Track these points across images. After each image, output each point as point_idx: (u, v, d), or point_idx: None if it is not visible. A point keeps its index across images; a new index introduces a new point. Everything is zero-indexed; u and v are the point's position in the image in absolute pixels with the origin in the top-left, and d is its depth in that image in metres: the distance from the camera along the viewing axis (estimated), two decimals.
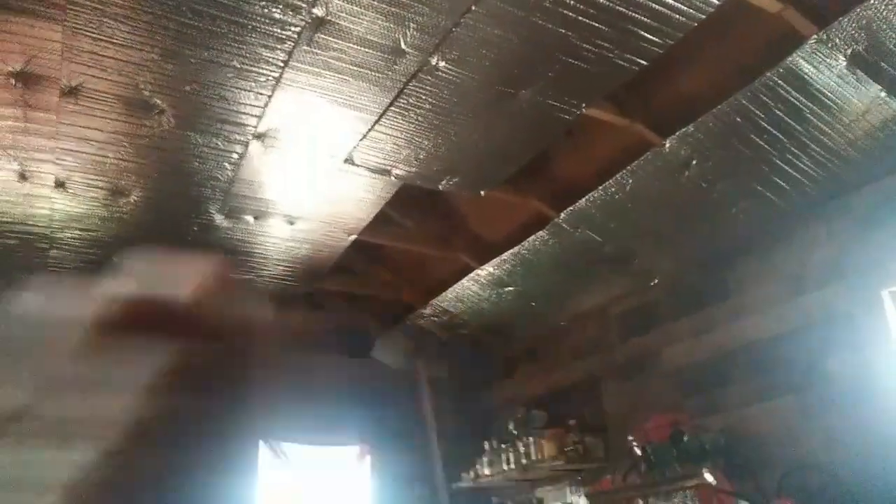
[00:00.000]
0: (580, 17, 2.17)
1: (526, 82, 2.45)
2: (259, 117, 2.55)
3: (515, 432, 4.18)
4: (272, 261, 3.66)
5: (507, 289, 4.06)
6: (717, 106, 2.61)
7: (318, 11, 2.09)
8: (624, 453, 3.17)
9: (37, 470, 0.34)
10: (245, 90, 2.41)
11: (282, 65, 2.29)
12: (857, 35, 2.28)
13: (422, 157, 2.84)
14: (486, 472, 4.22)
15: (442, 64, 2.33)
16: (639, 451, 2.97)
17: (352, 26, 2.16)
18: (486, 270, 3.93)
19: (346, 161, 2.84)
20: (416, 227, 3.99)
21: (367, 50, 2.26)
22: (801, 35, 2.37)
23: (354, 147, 2.76)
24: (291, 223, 3.33)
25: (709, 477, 2.59)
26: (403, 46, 2.25)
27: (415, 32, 2.20)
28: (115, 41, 2.14)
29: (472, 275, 4.00)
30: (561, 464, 3.73)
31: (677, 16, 2.18)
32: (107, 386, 0.37)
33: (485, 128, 2.69)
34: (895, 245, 2.68)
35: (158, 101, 2.43)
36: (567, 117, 2.63)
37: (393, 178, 2.99)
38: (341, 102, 2.49)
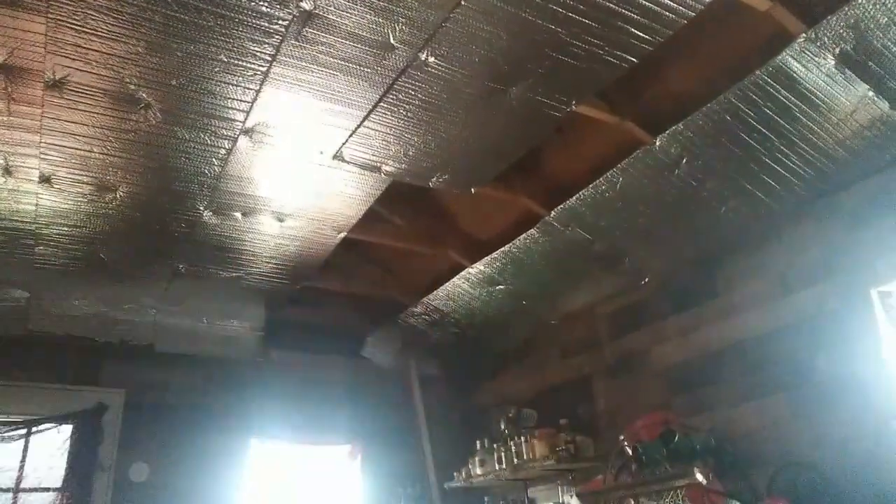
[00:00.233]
0: (570, 14, 2.16)
1: (516, 78, 2.44)
2: (247, 112, 2.53)
3: (507, 431, 4.17)
4: (261, 258, 3.64)
5: (498, 287, 4.05)
6: (707, 104, 2.61)
7: (307, 5, 2.07)
8: (615, 452, 3.16)
9: None
10: (232, 85, 2.39)
11: (269, 59, 2.27)
12: (845, 34, 2.28)
13: (411, 153, 2.83)
14: (478, 471, 4.20)
15: (431, 59, 2.32)
16: (630, 451, 2.97)
17: (340, 20, 2.14)
18: (477, 269, 3.92)
19: (335, 157, 2.82)
20: (407, 225, 3.97)
21: (355, 45, 2.24)
22: (790, 33, 2.37)
23: (344, 143, 2.74)
24: (280, 220, 3.30)
25: (699, 476, 2.58)
26: (392, 41, 2.23)
27: (404, 27, 2.18)
28: (99, 33, 2.12)
29: (462, 273, 3.99)
30: (552, 463, 3.72)
31: (667, 13, 2.18)
32: None
33: (475, 124, 2.67)
34: (883, 244, 2.69)
35: (144, 96, 2.40)
36: (557, 114, 2.63)
37: (382, 174, 2.97)
38: (330, 98, 2.47)
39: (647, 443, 2.94)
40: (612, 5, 2.14)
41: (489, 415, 4.68)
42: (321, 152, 2.79)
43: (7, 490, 3.56)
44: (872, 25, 2.24)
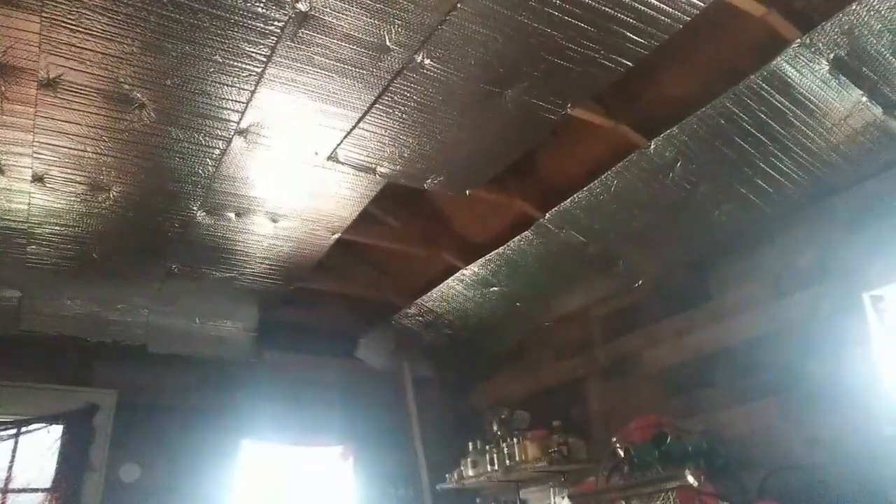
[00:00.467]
0: (566, 17, 2.16)
1: (511, 81, 2.44)
2: (241, 113, 2.52)
3: (499, 433, 4.18)
4: (255, 259, 3.62)
5: (491, 289, 4.05)
6: (701, 108, 2.62)
7: (302, 6, 2.07)
8: (607, 454, 3.17)
9: None
10: (227, 85, 2.38)
11: (265, 60, 2.27)
12: (839, 40, 2.30)
13: (406, 155, 2.83)
14: (470, 472, 4.20)
15: (427, 62, 2.32)
16: (622, 453, 2.98)
17: (336, 22, 2.14)
18: (471, 270, 3.92)
19: (329, 158, 2.82)
20: (402, 227, 3.97)
21: (351, 46, 2.24)
22: (784, 39, 2.38)
23: (338, 144, 2.73)
24: (274, 221, 3.29)
25: (691, 478, 2.59)
26: (388, 43, 2.23)
27: (400, 29, 2.18)
28: (94, 33, 2.10)
29: (457, 275, 3.99)
30: (545, 465, 3.72)
31: (663, 17, 2.18)
32: None
33: (470, 126, 2.67)
34: (876, 248, 2.71)
35: (139, 95, 2.39)
36: (552, 117, 2.63)
37: (377, 176, 2.97)
38: (325, 99, 2.47)
39: (639, 445, 2.95)
40: (607, 9, 2.14)
41: (482, 416, 4.68)
42: (316, 153, 2.79)
43: None
44: (866, 31, 2.25)
